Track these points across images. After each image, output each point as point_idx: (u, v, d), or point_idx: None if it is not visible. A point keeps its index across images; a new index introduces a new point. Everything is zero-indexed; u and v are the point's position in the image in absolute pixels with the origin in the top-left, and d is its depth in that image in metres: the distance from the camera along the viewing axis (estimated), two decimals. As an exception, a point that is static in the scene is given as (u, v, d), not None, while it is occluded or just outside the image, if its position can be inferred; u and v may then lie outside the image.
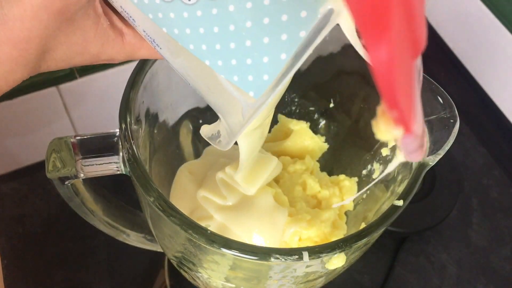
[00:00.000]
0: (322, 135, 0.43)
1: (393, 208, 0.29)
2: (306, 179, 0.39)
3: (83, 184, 0.35)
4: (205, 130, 0.30)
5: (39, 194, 0.54)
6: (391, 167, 0.27)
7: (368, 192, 0.39)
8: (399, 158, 0.25)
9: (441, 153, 0.30)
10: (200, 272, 0.33)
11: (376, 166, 0.38)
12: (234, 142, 0.27)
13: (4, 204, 0.54)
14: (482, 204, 0.56)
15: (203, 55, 0.23)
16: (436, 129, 0.31)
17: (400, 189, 0.32)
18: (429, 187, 0.53)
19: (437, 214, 0.52)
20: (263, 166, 0.36)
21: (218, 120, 0.29)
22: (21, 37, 0.22)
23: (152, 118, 0.36)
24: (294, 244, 0.35)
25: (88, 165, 0.32)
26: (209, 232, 0.27)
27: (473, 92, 0.62)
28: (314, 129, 0.43)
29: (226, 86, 0.24)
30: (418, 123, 0.20)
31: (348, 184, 0.40)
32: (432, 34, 0.66)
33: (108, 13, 0.26)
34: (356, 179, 0.40)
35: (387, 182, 0.36)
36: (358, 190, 0.40)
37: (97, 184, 0.36)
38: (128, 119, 0.31)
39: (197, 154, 0.43)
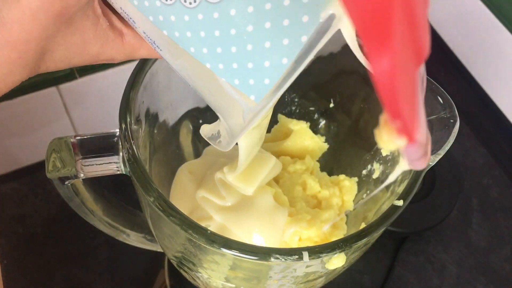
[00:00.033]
0: (322, 135, 0.43)
1: (393, 208, 0.29)
2: (306, 179, 0.39)
3: (83, 184, 0.35)
4: (205, 130, 0.30)
5: (39, 194, 0.54)
6: (394, 175, 0.27)
7: (368, 192, 0.39)
8: (403, 165, 0.25)
9: (441, 153, 0.30)
10: (200, 272, 0.33)
11: (376, 166, 0.38)
12: (234, 143, 0.27)
13: (4, 204, 0.54)
14: (482, 204, 0.56)
15: (204, 58, 0.23)
16: (436, 129, 0.31)
17: (400, 189, 0.32)
18: (429, 187, 0.53)
19: (437, 214, 0.52)
20: (260, 165, 0.35)
21: (218, 120, 0.29)
22: (20, 39, 0.22)
23: (152, 118, 0.36)
24: (294, 244, 0.35)
25: (88, 165, 0.32)
26: (209, 232, 0.27)
27: (473, 92, 0.62)
28: (314, 129, 0.43)
29: (227, 89, 0.24)
30: (422, 132, 0.19)
31: (348, 184, 0.40)
32: (432, 34, 0.66)
33: (108, 13, 0.26)
34: (356, 179, 0.40)
35: (388, 183, 0.36)
36: (358, 190, 0.40)
37: (97, 184, 0.36)
38: (128, 119, 0.31)
39: (197, 154, 0.43)
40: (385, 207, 0.31)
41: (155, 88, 0.35)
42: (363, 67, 0.22)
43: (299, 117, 0.43)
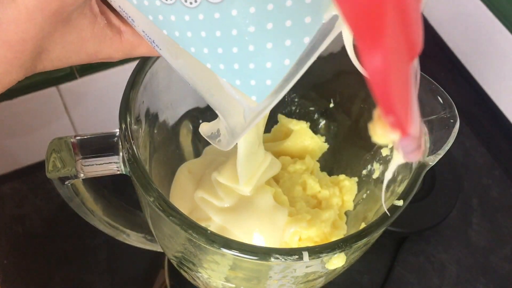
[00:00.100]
0: (322, 135, 0.43)
1: (393, 208, 0.29)
2: (306, 179, 0.39)
3: (83, 184, 0.35)
4: (205, 129, 0.30)
5: (39, 194, 0.54)
6: (390, 170, 0.27)
7: (368, 192, 0.39)
8: (398, 159, 0.25)
9: (441, 153, 0.30)
10: (200, 272, 0.33)
11: (376, 166, 0.38)
12: (235, 143, 0.27)
13: (4, 204, 0.54)
14: (482, 204, 0.56)
15: (205, 58, 0.23)
16: (436, 129, 0.31)
17: (400, 189, 0.32)
18: (429, 187, 0.53)
19: (437, 214, 0.52)
20: (260, 165, 0.35)
21: (218, 118, 0.28)
22: (16, 39, 0.22)
23: (152, 118, 0.36)
24: (294, 244, 0.35)
25: (88, 165, 0.32)
26: (209, 232, 0.27)
27: (473, 92, 0.62)
28: (314, 129, 0.43)
29: (227, 89, 0.23)
30: (415, 126, 0.20)
31: (348, 184, 0.40)
32: (432, 34, 0.66)
33: (105, 11, 0.26)
34: (356, 179, 0.40)
35: (387, 182, 0.36)
36: (358, 190, 0.40)
37: (97, 184, 0.36)
38: (128, 119, 0.31)
39: (197, 154, 0.43)
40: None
41: (155, 88, 0.34)
42: (363, 67, 0.22)
43: (299, 117, 0.43)
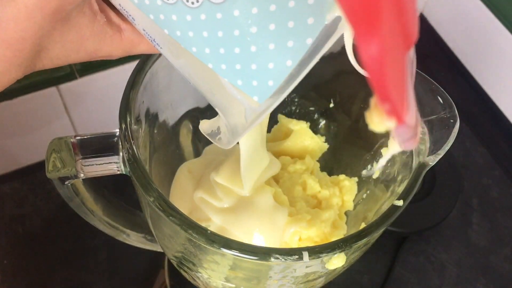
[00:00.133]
0: (322, 135, 0.43)
1: (393, 208, 0.29)
2: (306, 179, 0.39)
3: (83, 184, 0.35)
4: (204, 126, 0.30)
5: (39, 194, 0.54)
6: (385, 158, 0.27)
7: (368, 192, 0.39)
8: (394, 148, 0.25)
9: (441, 153, 0.30)
10: (200, 272, 0.33)
11: (376, 166, 0.38)
12: (235, 142, 0.26)
13: (4, 204, 0.54)
14: (482, 204, 0.56)
15: (206, 58, 0.22)
16: (436, 129, 0.31)
17: (400, 189, 0.32)
18: (429, 187, 0.53)
19: (437, 214, 0.52)
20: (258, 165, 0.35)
21: (218, 116, 0.28)
22: (15, 38, 0.22)
23: (152, 118, 0.36)
24: (294, 244, 0.35)
25: (88, 165, 0.32)
26: (209, 232, 0.27)
27: (473, 92, 0.62)
28: (314, 129, 0.43)
29: (229, 89, 0.23)
30: (411, 114, 0.20)
31: (348, 184, 0.40)
32: (432, 34, 0.66)
33: (105, 9, 0.26)
34: (356, 179, 0.40)
35: (387, 182, 0.36)
36: (358, 190, 0.40)
37: (97, 184, 0.36)
38: (128, 119, 0.31)
39: (197, 154, 0.43)
40: (385, 207, 0.31)
41: (155, 88, 0.34)
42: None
43: (299, 117, 0.43)
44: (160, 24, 0.23)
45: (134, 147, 0.30)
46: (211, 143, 0.42)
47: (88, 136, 0.32)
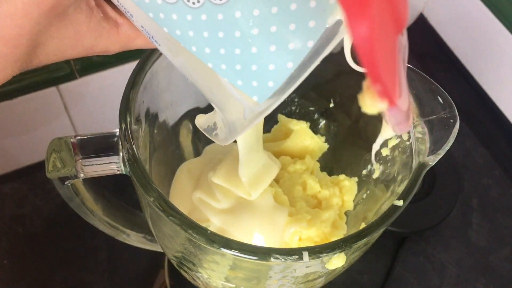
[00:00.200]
0: (322, 135, 0.43)
1: (393, 208, 0.29)
2: (306, 179, 0.39)
3: (83, 184, 0.35)
4: (201, 121, 0.29)
5: (39, 194, 0.54)
6: (378, 142, 0.27)
7: (368, 192, 0.39)
8: (387, 132, 0.26)
9: (441, 153, 0.30)
10: (200, 272, 0.33)
11: (376, 166, 0.38)
12: (233, 140, 0.26)
13: (4, 204, 0.54)
14: (482, 204, 0.56)
15: (206, 58, 0.22)
16: (436, 129, 0.31)
17: (400, 189, 0.32)
18: (429, 187, 0.53)
19: (437, 214, 0.52)
20: (268, 172, 0.35)
21: (214, 111, 0.28)
22: (12, 35, 0.22)
23: (152, 118, 0.36)
24: (294, 244, 0.35)
25: (88, 165, 0.32)
26: (209, 232, 0.27)
27: (473, 92, 0.62)
28: (314, 129, 0.43)
29: (228, 88, 0.23)
30: (403, 98, 0.21)
31: (348, 184, 0.40)
32: (432, 34, 0.66)
33: (101, 4, 0.26)
34: (356, 179, 0.40)
35: (387, 182, 0.36)
36: (358, 190, 0.40)
37: (97, 184, 0.36)
38: (128, 119, 0.31)
39: (197, 154, 0.43)
40: (385, 207, 0.31)
41: (155, 88, 0.34)
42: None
43: (299, 117, 0.43)
44: (160, 23, 0.23)
45: (134, 147, 0.30)
46: (211, 142, 0.42)
47: (88, 136, 0.32)
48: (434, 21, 0.66)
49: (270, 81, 0.21)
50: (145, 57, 0.33)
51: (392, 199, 0.32)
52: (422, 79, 0.32)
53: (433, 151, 0.30)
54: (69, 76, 0.50)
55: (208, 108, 0.29)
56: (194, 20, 0.21)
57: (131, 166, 0.29)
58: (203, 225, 0.35)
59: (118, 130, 0.31)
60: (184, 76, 0.26)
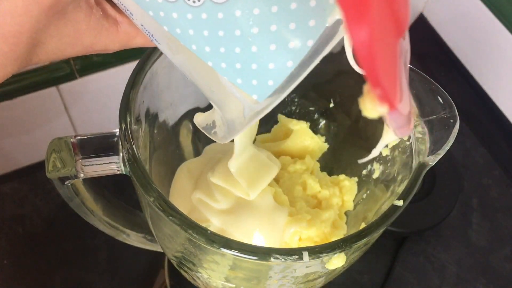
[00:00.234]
0: (322, 135, 0.43)
1: (393, 208, 0.29)
2: (306, 179, 0.39)
3: (83, 184, 0.35)
4: (199, 119, 0.29)
5: (39, 194, 0.54)
6: (379, 147, 0.27)
7: (368, 192, 0.39)
8: (388, 136, 0.26)
9: (441, 153, 0.30)
10: (200, 272, 0.33)
11: (376, 166, 0.38)
12: (231, 138, 0.26)
13: (4, 204, 0.54)
14: (482, 204, 0.56)
15: (206, 56, 0.22)
16: (436, 129, 0.31)
17: (400, 189, 0.32)
18: (429, 187, 0.53)
19: (437, 214, 0.52)
20: (266, 172, 0.35)
21: (212, 109, 0.28)
22: (12, 32, 0.22)
23: (152, 118, 0.36)
24: (294, 244, 0.35)
25: (88, 165, 0.32)
26: (209, 232, 0.27)
27: (473, 92, 0.62)
28: (314, 129, 0.43)
29: (228, 86, 0.23)
30: (404, 102, 0.20)
31: (348, 184, 0.40)
32: (432, 34, 0.66)
33: (101, 2, 0.26)
34: (356, 179, 0.40)
35: (387, 182, 0.36)
36: (358, 190, 0.40)
37: (97, 184, 0.36)
38: (128, 119, 0.31)
39: (197, 154, 0.43)
40: (385, 207, 0.31)
41: (155, 88, 0.34)
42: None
43: (299, 117, 0.43)
44: (160, 21, 0.23)
45: (134, 147, 0.30)
46: (211, 142, 0.42)
47: (88, 136, 0.32)
48: (434, 21, 0.66)
49: (270, 79, 0.22)
50: (145, 57, 0.33)
51: (392, 199, 0.32)
52: (422, 79, 0.32)
53: (433, 151, 0.30)
54: (69, 76, 0.50)
55: (208, 108, 0.29)
56: (194, 19, 0.21)
57: (131, 166, 0.29)
58: (203, 225, 0.35)
59: (118, 130, 0.31)
60: (183, 73, 0.26)
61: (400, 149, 0.34)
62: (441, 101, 0.31)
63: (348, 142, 0.42)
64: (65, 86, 0.51)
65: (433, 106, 0.31)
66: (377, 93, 0.17)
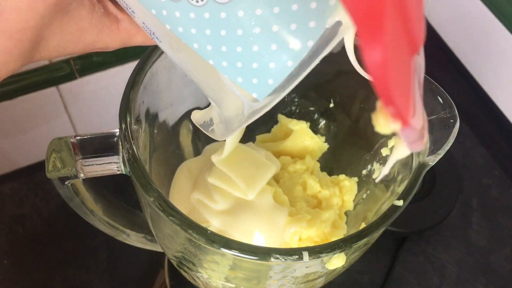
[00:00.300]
0: (322, 135, 0.43)
1: (393, 208, 0.29)
2: (306, 179, 0.39)
3: (83, 184, 0.35)
4: (197, 116, 0.30)
5: (39, 194, 0.54)
6: (393, 159, 0.27)
7: (368, 192, 0.39)
8: (402, 151, 0.25)
9: (441, 153, 0.30)
10: (200, 272, 0.33)
11: (376, 166, 0.38)
12: (229, 136, 0.27)
13: (4, 204, 0.54)
14: (482, 204, 0.56)
15: (208, 55, 0.23)
16: (436, 129, 0.31)
17: (400, 189, 0.32)
18: (429, 187, 0.53)
19: (437, 214, 0.52)
20: (263, 172, 0.35)
21: (210, 106, 0.28)
22: (17, 28, 0.22)
23: (152, 118, 0.36)
24: (294, 244, 0.35)
25: (88, 165, 0.32)
26: (209, 232, 0.27)
27: (473, 92, 0.62)
28: (314, 129, 0.43)
29: (228, 85, 0.24)
30: (417, 117, 0.20)
31: (348, 184, 0.40)
32: (432, 34, 0.66)
33: (102, 0, 0.26)
34: (356, 179, 0.40)
35: (387, 182, 0.36)
36: (358, 190, 0.40)
37: (97, 184, 0.36)
38: (128, 119, 0.31)
39: (197, 154, 0.43)
40: (385, 207, 0.31)
41: (155, 88, 0.34)
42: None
43: (299, 117, 0.43)
44: (162, 20, 0.23)
45: (134, 147, 0.30)
46: (211, 142, 0.42)
47: (88, 136, 0.32)
48: (434, 21, 0.66)
49: (270, 78, 0.22)
50: (145, 57, 0.33)
51: (392, 199, 0.32)
52: (423, 75, 0.32)
53: (433, 151, 0.30)
54: (69, 76, 0.50)
55: (208, 109, 0.29)
56: (197, 18, 0.22)
57: (131, 166, 0.29)
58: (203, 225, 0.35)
59: (118, 130, 0.31)
60: (184, 72, 0.26)
61: (400, 149, 0.34)
62: (441, 101, 0.31)
63: (348, 142, 0.42)
64: (65, 86, 0.51)
65: (433, 106, 0.31)
66: (390, 110, 0.17)
